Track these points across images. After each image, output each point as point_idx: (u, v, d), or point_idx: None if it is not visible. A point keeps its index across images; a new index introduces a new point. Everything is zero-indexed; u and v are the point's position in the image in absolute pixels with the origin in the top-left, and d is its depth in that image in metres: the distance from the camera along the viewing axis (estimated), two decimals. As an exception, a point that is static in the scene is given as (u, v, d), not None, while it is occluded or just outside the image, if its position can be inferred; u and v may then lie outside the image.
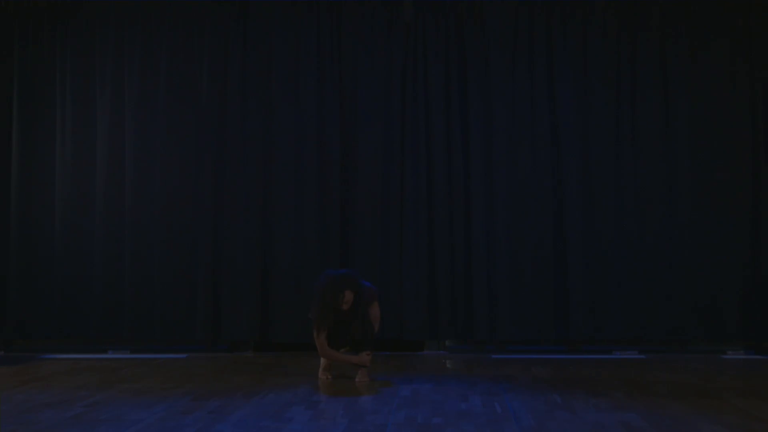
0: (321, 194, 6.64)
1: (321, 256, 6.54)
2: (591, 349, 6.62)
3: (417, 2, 6.73)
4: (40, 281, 6.74)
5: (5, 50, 6.87)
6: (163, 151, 6.71)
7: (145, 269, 6.66)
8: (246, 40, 6.75)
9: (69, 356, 6.50)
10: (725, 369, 5.77)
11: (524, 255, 6.58)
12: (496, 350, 6.67)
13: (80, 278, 6.72)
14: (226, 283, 6.62)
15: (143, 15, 6.80)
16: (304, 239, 6.59)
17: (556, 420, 4.00)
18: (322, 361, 5.37)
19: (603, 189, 6.59)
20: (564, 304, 6.54)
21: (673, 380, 5.23)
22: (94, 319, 6.67)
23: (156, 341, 6.72)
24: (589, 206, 6.60)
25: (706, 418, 3.99)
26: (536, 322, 6.54)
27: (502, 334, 6.55)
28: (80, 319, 6.70)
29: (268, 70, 6.74)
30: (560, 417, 4.07)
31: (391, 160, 6.64)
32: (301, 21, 6.74)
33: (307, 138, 6.66)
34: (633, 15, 6.67)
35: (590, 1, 6.69)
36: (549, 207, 6.59)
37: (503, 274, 6.55)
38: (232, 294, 6.60)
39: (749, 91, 6.61)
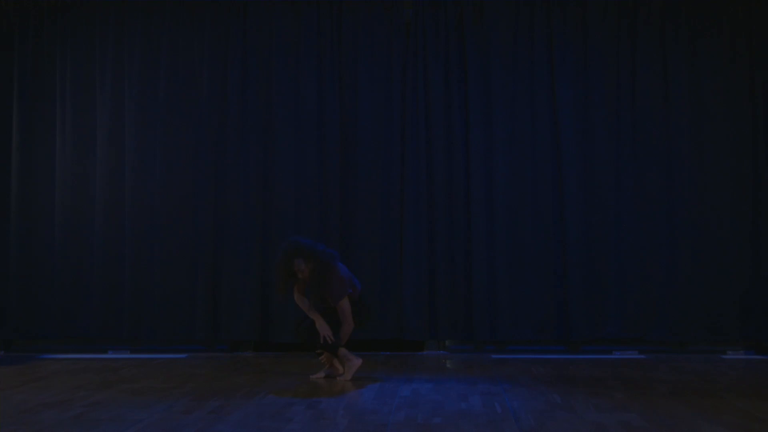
0: (321, 194, 6.64)
1: (321, 256, 6.54)
2: (591, 349, 6.62)
3: (417, 2, 6.74)
4: (40, 281, 6.75)
5: (5, 49, 6.88)
6: (163, 150, 6.72)
7: (145, 269, 6.66)
8: (246, 39, 6.75)
9: (69, 356, 6.50)
10: (725, 369, 5.77)
11: (524, 255, 6.58)
12: (496, 350, 6.68)
13: (80, 278, 6.73)
14: (226, 283, 6.62)
15: (143, 14, 6.81)
16: (304, 239, 6.59)
17: (556, 420, 4.00)
18: (324, 361, 5.40)
19: (603, 189, 6.60)
20: (564, 304, 6.54)
21: (673, 380, 5.23)
22: (94, 319, 6.67)
23: (156, 341, 6.72)
24: (589, 206, 6.60)
25: (706, 418, 3.99)
26: (536, 322, 6.54)
27: (502, 334, 6.55)
28: (80, 319, 6.71)
29: (268, 69, 6.75)
30: (560, 417, 4.07)
31: (391, 160, 6.65)
32: (301, 20, 6.74)
33: (307, 137, 6.67)
34: (633, 13, 6.67)
35: (590, 0, 6.69)
36: (549, 206, 6.60)
37: (503, 274, 6.55)
38: (232, 294, 6.60)
39: (749, 92, 6.61)
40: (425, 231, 6.61)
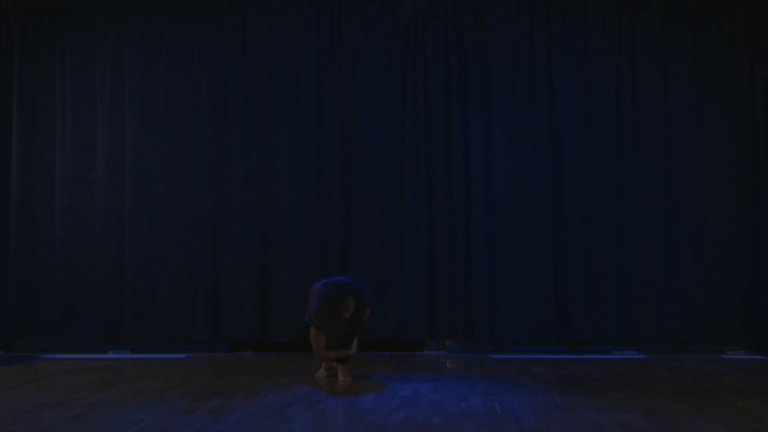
0: (321, 194, 6.64)
1: (321, 256, 6.55)
2: (591, 349, 6.62)
3: (417, 2, 6.74)
4: (40, 281, 6.75)
5: (6, 50, 6.88)
6: (163, 151, 6.71)
7: (145, 269, 6.66)
8: (246, 39, 6.75)
9: (69, 356, 6.50)
10: (725, 369, 5.77)
11: (524, 255, 6.57)
12: (496, 350, 6.68)
13: (80, 278, 6.73)
14: (226, 283, 6.62)
15: (143, 14, 6.80)
16: (304, 239, 6.59)
17: (556, 420, 4.00)
18: (324, 364, 5.39)
19: (603, 189, 6.59)
20: (564, 304, 6.54)
21: (673, 380, 5.24)
22: (94, 318, 6.67)
23: (156, 341, 6.72)
24: (590, 206, 6.60)
25: (706, 418, 3.99)
26: (536, 322, 6.54)
27: (502, 334, 6.55)
28: (80, 319, 6.70)
29: (268, 70, 6.74)
30: (560, 417, 4.07)
31: (391, 160, 6.65)
32: (301, 20, 6.74)
33: (307, 138, 6.66)
34: (633, 12, 6.67)
35: (590, 0, 6.69)
36: (549, 206, 6.59)
37: (503, 274, 6.55)
38: (232, 294, 6.60)
39: (749, 92, 6.61)
40: (425, 231, 6.60)
